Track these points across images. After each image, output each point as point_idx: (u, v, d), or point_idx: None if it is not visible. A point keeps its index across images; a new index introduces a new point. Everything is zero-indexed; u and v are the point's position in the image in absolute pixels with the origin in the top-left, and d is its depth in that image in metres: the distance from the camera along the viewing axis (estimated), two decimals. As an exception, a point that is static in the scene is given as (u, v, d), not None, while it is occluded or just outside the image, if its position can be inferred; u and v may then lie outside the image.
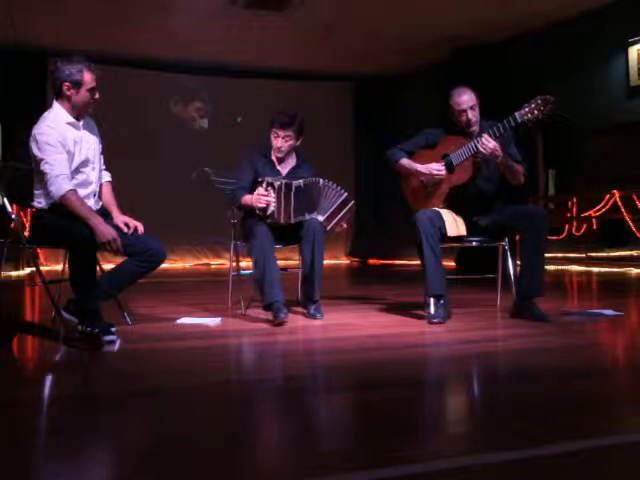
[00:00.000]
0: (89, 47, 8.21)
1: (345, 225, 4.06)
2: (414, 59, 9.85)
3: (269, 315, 3.79)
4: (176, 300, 5.03)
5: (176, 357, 2.87)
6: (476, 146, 3.69)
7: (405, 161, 3.98)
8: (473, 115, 3.81)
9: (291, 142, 4.04)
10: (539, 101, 3.58)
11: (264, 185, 3.85)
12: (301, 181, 3.91)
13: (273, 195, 3.82)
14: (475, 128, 3.84)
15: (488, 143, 3.62)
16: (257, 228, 3.82)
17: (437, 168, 3.85)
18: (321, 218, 3.95)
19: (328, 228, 3.98)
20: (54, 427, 1.88)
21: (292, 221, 3.86)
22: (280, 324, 3.59)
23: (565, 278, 7.11)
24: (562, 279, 6.96)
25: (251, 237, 3.82)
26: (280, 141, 4.02)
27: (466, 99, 3.80)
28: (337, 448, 1.66)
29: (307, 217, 3.92)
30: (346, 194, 4.01)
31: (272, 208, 3.82)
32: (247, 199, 3.91)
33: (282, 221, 3.85)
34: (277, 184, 3.83)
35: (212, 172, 10.62)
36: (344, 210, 4.00)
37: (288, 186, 3.84)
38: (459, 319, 3.77)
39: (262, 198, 3.84)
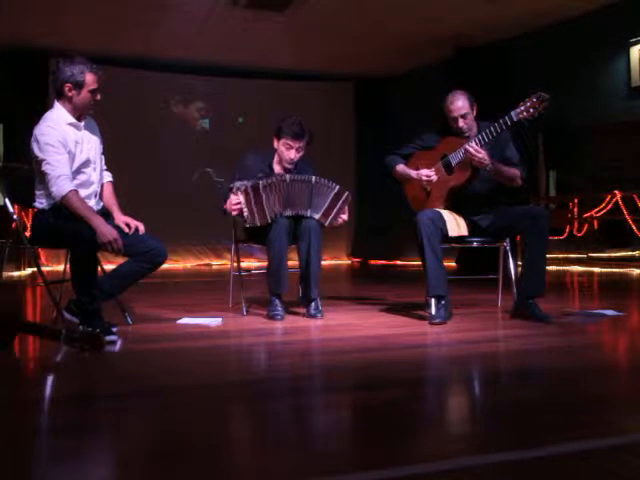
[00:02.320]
0: (90, 47, 8.22)
1: (345, 217, 4.00)
2: (415, 59, 9.85)
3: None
4: (177, 300, 5.04)
5: (177, 357, 2.87)
6: (464, 151, 3.70)
7: (400, 167, 4.00)
8: (465, 123, 3.80)
9: (302, 152, 4.02)
10: (534, 99, 3.58)
11: (235, 191, 3.82)
12: (287, 176, 3.87)
13: (242, 199, 3.79)
14: (473, 131, 3.84)
15: (477, 154, 3.63)
16: (280, 220, 3.82)
17: (426, 174, 3.86)
18: (317, 216, 3.93)
19: (327, 223, 3.96)
20: (55, 427, 1.88)
21: (268, 221, 3.80)
22: (272, 319, 3.79)
23: (566, 278, 7.10)
24: (563, 279, 6.96)
25: (269, 228, 3.81)
26: (293, 153, 3.97)
27: (459, 106, 3.79)
28: (338, 448, 1.66)
29: (301, 213, 3.91)
30: (338, 187, 3.96)
31: (245, 213, 3.79)
32: (227, 207, 3.90)
33: (258, 223, 3.80)
34: (242, 188, 3.78)
35: (213, 172, 10.65)
36: (339, 203, 3.96)
37: (254, 187, 3.79)
38: (460, 319, 3.77)
39: (234, 206, 3.82)
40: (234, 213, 3.86)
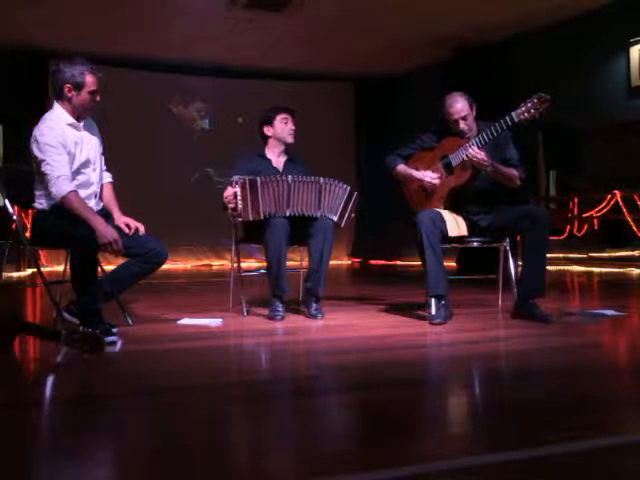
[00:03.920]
0: (90, 48, 8.21)
1: (353, 215, 4.07)
2: (415, 59, 9.85)
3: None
4: (177, 301, 5.04)
5: (177, 358, 2.87)
6: (464, 155, 3.70)
7: (401, 167, 4.00)
8: (465, 125, 3.80)
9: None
10: (535, 100, 3.57)
11: (233, 185, 3.86)
12: (289, 177, 3.91)
13: (239, 192, 3.81)
14: (473, 132, 3.84)
15: (477, 155, 3.63)
16: (276, 221, 3.83)
17: (430, 176, 3.87)
18: (335, 217, 3.97)
19: (342, 225, 4.01)
20: (55, 428, 1.88)
21: (261, 217, 3.82)
22: (272, 319, 3.80)
23: (566, 278, 7.10)
24: (563, 279, 6.96)
25: (269, 227, 3.82)
26: (290, 124, 4.12)
27: (458, 108, 3.78)
28: (338, 449, 1.66)
29: (309, 214, 3.93)
30: (349, 187, 4.03)
31: (240, 206, 3.81)
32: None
33: (250, 217, 3.82)
34: (240, 181, 3.82)
35: (213, 173, 10.66)
36: (351, 203, 4.02)
37: (252, 182, 3.81)
38: (460, 319, 3.77)
39: (229, 197, 3.86)
40: (230, 205, 3.86)
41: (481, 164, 3.66)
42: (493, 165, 3.69)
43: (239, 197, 3.80)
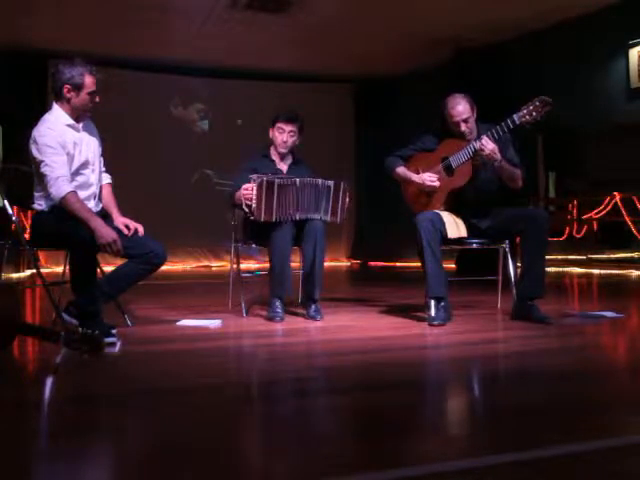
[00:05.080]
0: (89, 49, 8.21)
1: (347, 200, 4.02)
2: (414, 60, 9.85)
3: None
4: (176, 302, 5.03)
5: (176, 359, 2.87)
6: (474, 147, 3.69)
7: (401, 170, 4.00)
8: (467, 127, 3.79)
9: (295, 138, 4.13)
10: (537, 102, 3.57)
11: (251, 182, 3.85)
12: (297, 179, 3.90)
13: (255, 191, 3.79)
14: (473, 134, 3.83)
15: (488, 145, 3.62)
16: (285, 226, 3.83)
17: (430, 179, 3.86)
18: (328, 218, 3.96)
19: (338, 220, 4.01)
20: (54, 428, 1.88)
21: (273, 219, 3.80)
22: (271, 320, 3.79)
23: (566, 280, 7.11)
24: (563, 281, 6.96)
25: (276, 230, 3.82)
26: (286, 136, 4.09)
27: (460, 111, 3.78)
28: (337, 450, 1.66)
29: (311, 217, 3.93)
30: (333, 182, 3.98)
31: (253, 204, 3.79)
32: (237, 196, 3.93)
33: (262, 219, 3.80)
34: (258, 180, 3.81)
35: (213, 174, 10.66)
36: (340, 195, 3.98)
37: (270, 183, 3.80)
38: (460, 321, 3.77)
39: (245, 193, 3.83)
40: (245, 201, 3.83)
41: (492, 156, 3.63)
42: (502, 159, 3.68)
43: (254, 196, 3.79)
